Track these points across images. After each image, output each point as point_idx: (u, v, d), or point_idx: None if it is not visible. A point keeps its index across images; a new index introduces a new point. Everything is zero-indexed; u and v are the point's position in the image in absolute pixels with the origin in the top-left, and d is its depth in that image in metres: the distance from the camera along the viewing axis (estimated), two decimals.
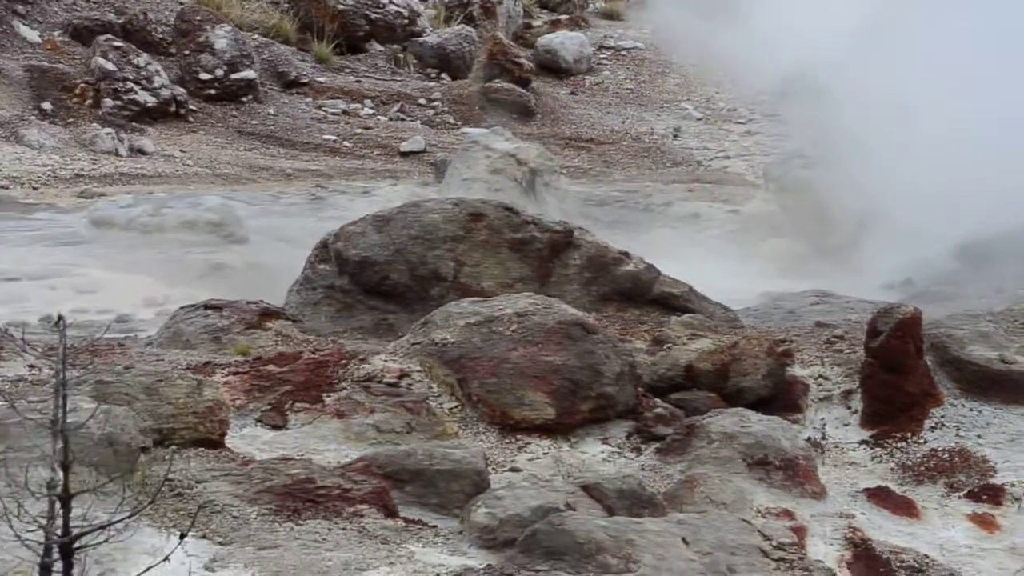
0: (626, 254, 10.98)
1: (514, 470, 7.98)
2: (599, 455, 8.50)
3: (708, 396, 9.14)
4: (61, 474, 4.48)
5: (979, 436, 8.97)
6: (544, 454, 8.32)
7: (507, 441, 8.38)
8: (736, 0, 20.11)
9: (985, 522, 8.21)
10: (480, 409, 8.54)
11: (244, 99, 22.52)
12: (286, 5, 25.40)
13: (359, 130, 23.18)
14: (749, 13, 19.29)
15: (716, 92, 26.29)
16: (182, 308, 10.29)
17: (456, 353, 8.77)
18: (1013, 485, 8.47)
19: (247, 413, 8.11)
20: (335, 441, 7.94)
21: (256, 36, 24.00)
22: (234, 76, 22.32)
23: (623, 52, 28.69)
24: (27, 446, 5.82)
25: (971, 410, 9.20)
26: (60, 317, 4.72)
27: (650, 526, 6.74)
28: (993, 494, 8.41)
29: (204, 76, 22.14)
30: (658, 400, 9.05)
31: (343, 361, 8.72)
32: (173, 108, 21.57)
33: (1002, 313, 10.39)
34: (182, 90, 21.92)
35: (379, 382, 8.50)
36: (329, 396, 8.34)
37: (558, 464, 8.18)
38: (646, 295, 10.82)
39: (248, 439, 7.80)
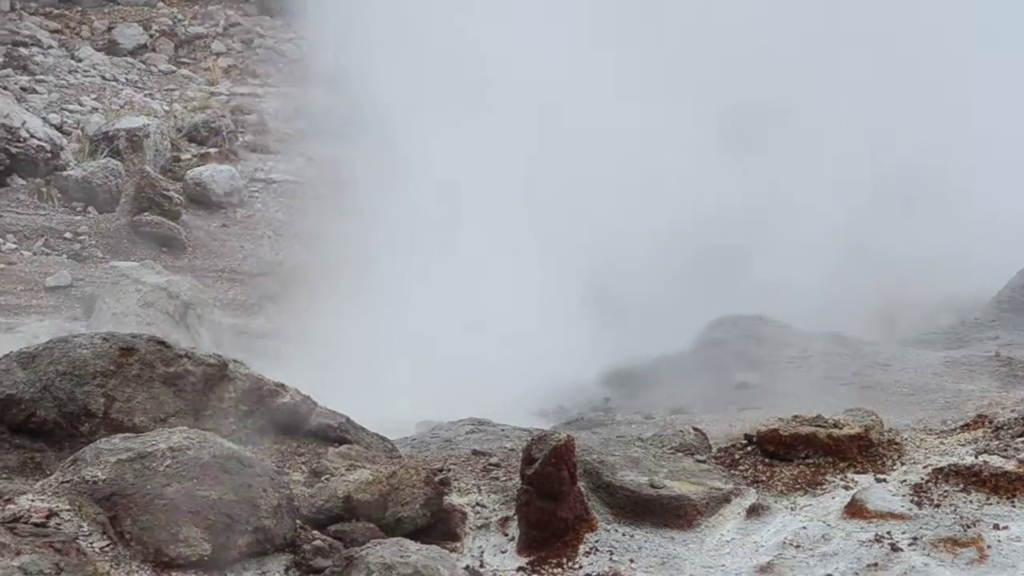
0: (282, 386, 10.92)
1: None
2: None
3: (367, 527, 9.12)
4: None
5: (631, 560, 9.19)
6: None
7: None
8: (375, 133, 20.67)
9: None
10: (133, 547, 8.31)
11: None
12: None
13: (1, 266, 22.59)
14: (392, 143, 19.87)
15: None
16: None
17: (108, 491, 8.51)
18: None
19: None
20: None
21: None
22: None
23: (274, 184, 28.91)
24: None
25: (624, 535, 9.45)
26: None
27: None
28: None
29: None
30: (317, 532, 9.00)
31: None
32: None
33: (651, 439, 10.76)
34: None
35: (25, 523, 8.19)
36: None
37: None
38: (303, 427, 10.76)
39: None
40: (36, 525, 8.24)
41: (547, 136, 19.98)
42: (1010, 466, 9.82)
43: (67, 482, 8.72)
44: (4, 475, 9.83)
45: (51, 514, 8.34)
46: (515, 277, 17.65)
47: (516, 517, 9.60)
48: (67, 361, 10.53)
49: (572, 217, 18.98)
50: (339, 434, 10.85)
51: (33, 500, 8.47)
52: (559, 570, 9.10)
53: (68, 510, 8.43)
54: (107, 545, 8.33)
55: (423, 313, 18.08)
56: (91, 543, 8.28)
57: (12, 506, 8.36)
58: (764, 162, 20.78)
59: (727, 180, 19.75)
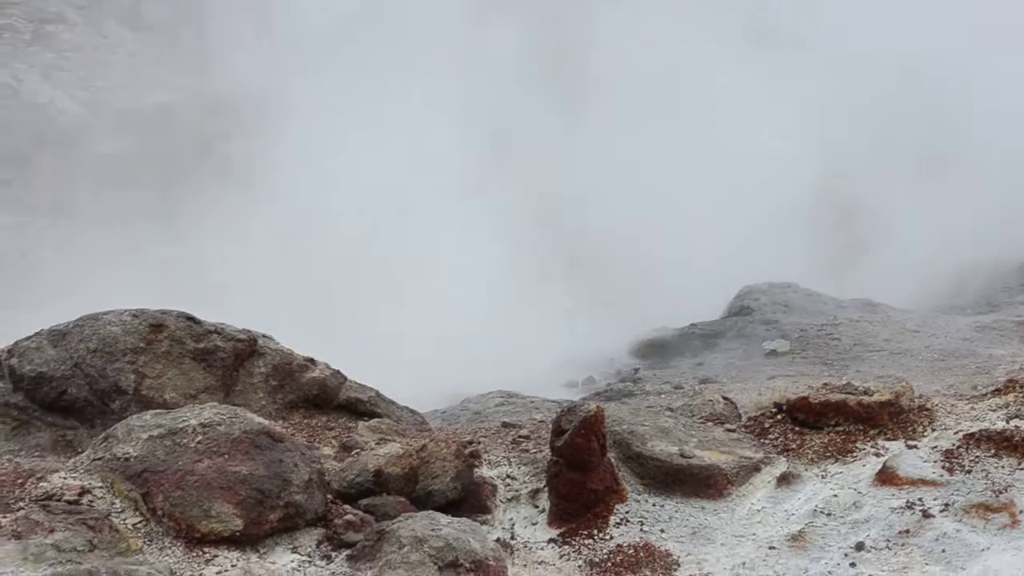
0: (312, 360, 10.97)
1: None
2: (289, 565, 8.41)
3: (398, 500, 9.15)
4: None
5: (662, 531, 9.20)
6: (232, 566, 8.19)
7: (194, 555, 8.22)
8: None
9: None
10: (166, 523, 8.35)
11: None
12: None
13: None
14: None
15: None
16: None
17: (139, 467, 8.55)
18: None
19: None
20: (12, 563, 7.63)
21: None
22: None
23: None
24: None
25: (654, 505, 9.45)
26: None
27: None
28: None
29: None
30: (348, 506, 9.02)
31: (19, 480, 8.47)
32: None
33: (681, 408, 10.74)
34: None
35: (59, 500, 8.24)
36: (5, 517, 8.06)
37: None
38: (333, 401, 10.81)
39: None
40: (69, 503, 8.28)
41: None
42: None
43: (99, 459, 8.76)
44: (37, 453, 9.90)
45: (84, 491, 8.39)
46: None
47: (546, 489, 9.62)
48: (97, 338, 10.58)
49: None
50: (369, 408, 10.89)
51: (66, 478, 8.51)
52: (590, 541, 9.11)
53: (100, 487, 8.47)
54: (139, 521, 8.37)
55: None
56: (124, 520, 8.32)
57: (45, 484, 8.40)
58: None
59: None
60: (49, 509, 8.18)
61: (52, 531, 8.01)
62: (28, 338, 10.62)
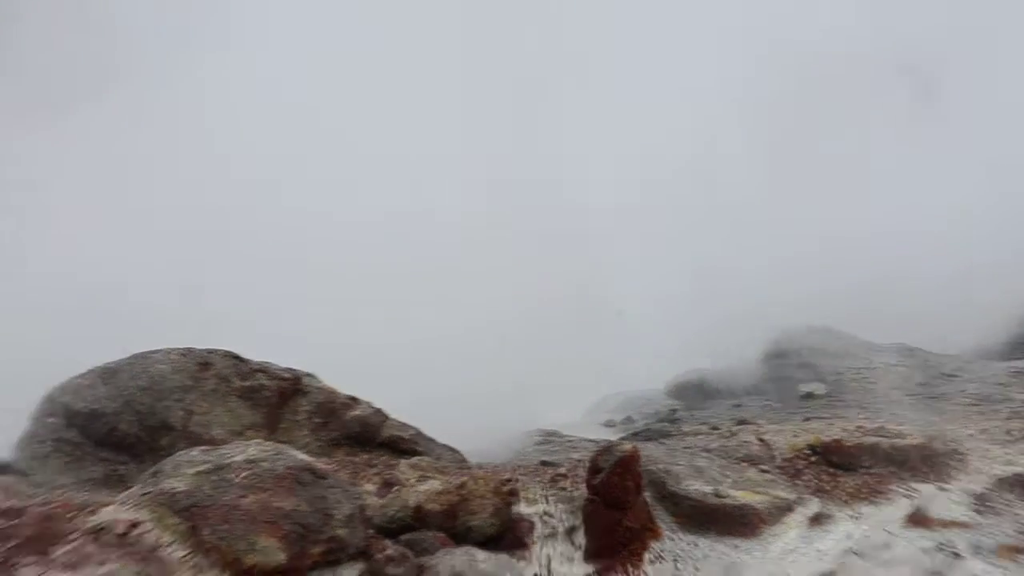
0: (354, 399, 11.12)
1: None
2: None
3: (437, 536, 9.29)
4: None
5: (696, 568, 9.29)
6: None
7: None
8: None
9: None
10: (212, 556, 8.51)
11: None
12: None
13: None
14: None
15: None
16: None
17: (187, 502, 8.74)
18: None
19: None
20: None
21: None
22: None
23: None
24: None
25: (688, 543, 9.55)
26: None
27: None
28: None
29: None
30: (388, 541, 9.17)
31: (72, 513, 8.61)
32: None
33: (716, 449, 10.85)
34: None
35: (109, 533, 8.42)
36: (58, 549, 8.23)
37: None
38: (375, 438, 10.95)
39: None
40: (119, 535, 8.45)
41: None
42: None
43: (148, 493, 8.94)
44: (89, 487, 10.09)
45: (134, 524, 8.55)
46: None
47: (582, 526, 9.74)
48: (147, 376, 10.80)
49: None
50: (410, 445, 11.04)
51: (116, 511, 8.68)
52: None
53: (149, 520, 8.63)
54: (187, 554, 8.54)
55: None
56: (172, 552, 8.49)
57: (96, 517, 8.57)
58: None
59: None
60: (101, 541, 8.35)
61: (103, 563, 8.19)
62: (80, 376, 10.85)
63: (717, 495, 9.84)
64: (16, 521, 8.50)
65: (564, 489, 10.27)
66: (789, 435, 11.07)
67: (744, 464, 10.60)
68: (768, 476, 10.38)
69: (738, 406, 14.24)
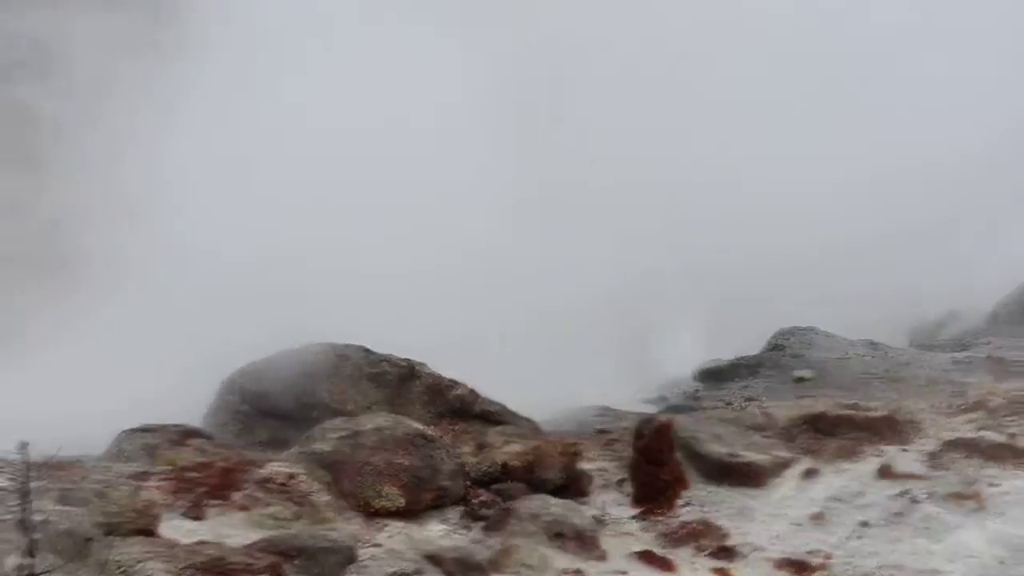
0: (455, 382, 11.08)
1: (376, 545, 7.97)
2: (440, 531, 8.57)
3: (519, 486, 9.24)
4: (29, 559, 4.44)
5: (717, 510, 9.20)
6: (398, 532, 8.35)
7: (371, 524, 8.39)
8: None
9: (723, 573, 8.41)
10: (349, 500, 8.53)
11: None
12: None
13: None
14: None
15: None
16: (123, 431, 9.99)
17: (331, 459, 8.78)
18: (742, 546, 8.74)
19: (174, 509, 7.99)
20: (241, 528, 7.85)
21: None
22: None
23: None
24: (5, 539, 5.72)
25: (710, 492, 9.46)
26: (24, 442, 4.76)
27: None
28: (728, 553, 8.65)
29: None
30: (482, 490, 9.16)
31: (246, 467, 8.67)
32: None
33: (730, 420, 10.76)
34: None
35: (273, 482, 8.45)
36: (236, 494, 8.27)
37: (409, 540, 8.20)
38: (471, 412, 10.92)
39: (175, 528, 7.68)
40: (281, 484, 8.48)
41: None
42: (1001, 439, 9.75)
43: (302, 452, 8.95)
44: (258, 447, 10.12)
45: (291, 476, 8.57)
46: None
47: (630, 478, 9.70)
48: (302, 365, 10.86)
49: None
50: (497, 417, 10.98)
51: (278, 466, 8.71)
52: (662, 517, 9.14)
53: (303, 473, 8.64)
54: (331, 499, 8.53)
55: None
56: (319, 497, 8.48)
57: (263, 470, 8.60)
58: None
59: None
60: (267, 489, 8.38)
61: (269, 505, 8.22)
62: (252, 363, 10.94)
63: (732, 455, 9.75)
64: (204, 473, 8.57)
65: (616, 450, 10.20)
66: (785, 409, 10.95)
67: (752, 431, 10.46)
68: (770, 440, 10.26)
69: (747, 387, 14.09)
